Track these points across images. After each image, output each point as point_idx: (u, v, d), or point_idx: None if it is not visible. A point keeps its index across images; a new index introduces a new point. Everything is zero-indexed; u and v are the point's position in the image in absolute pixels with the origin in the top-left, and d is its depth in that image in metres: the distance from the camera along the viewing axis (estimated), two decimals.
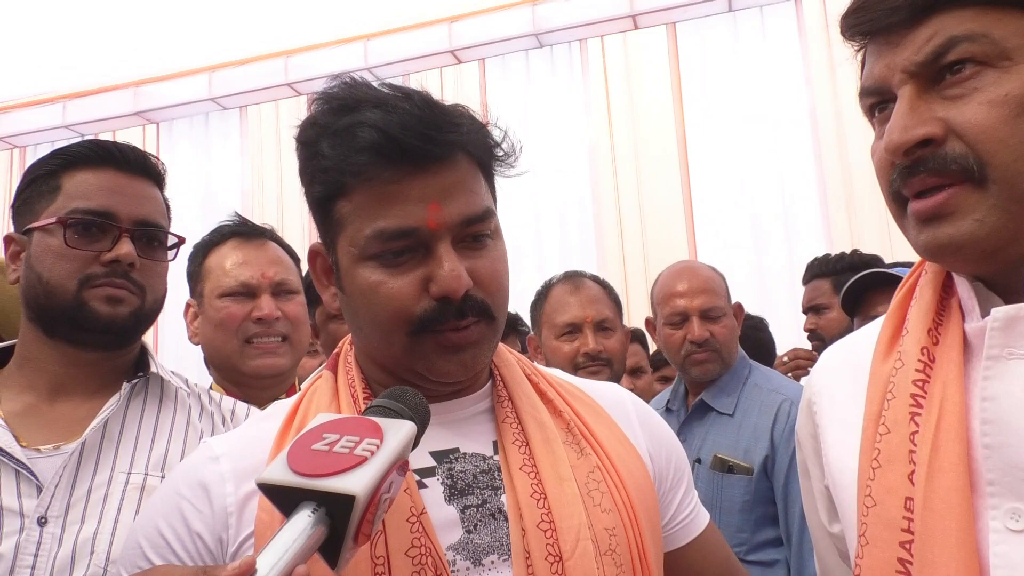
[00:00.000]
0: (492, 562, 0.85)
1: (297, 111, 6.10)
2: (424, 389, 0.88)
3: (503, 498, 0.88)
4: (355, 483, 0.64)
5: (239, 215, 1.69)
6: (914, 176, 0.73)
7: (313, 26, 5.76)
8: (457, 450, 0.92)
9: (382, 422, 0.71)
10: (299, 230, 5.65)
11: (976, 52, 0.70)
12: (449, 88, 5.92)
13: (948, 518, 0.68)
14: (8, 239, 1.16)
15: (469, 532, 0.86)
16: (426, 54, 5.87)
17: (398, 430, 0.71)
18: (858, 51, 0.80)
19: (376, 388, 0.94)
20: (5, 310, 1.43)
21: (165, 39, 5.74)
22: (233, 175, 6.19)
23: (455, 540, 0.86)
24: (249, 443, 0.92)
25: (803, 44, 5.35)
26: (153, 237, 1.17)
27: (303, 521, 0.64)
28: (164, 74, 6.21)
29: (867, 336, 0.89)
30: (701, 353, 2.14)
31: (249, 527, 0.85)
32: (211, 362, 1.63)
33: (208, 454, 0.92)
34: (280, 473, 0.66)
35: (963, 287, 0.78)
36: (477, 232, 0.88)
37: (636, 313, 5.04)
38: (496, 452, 0.91)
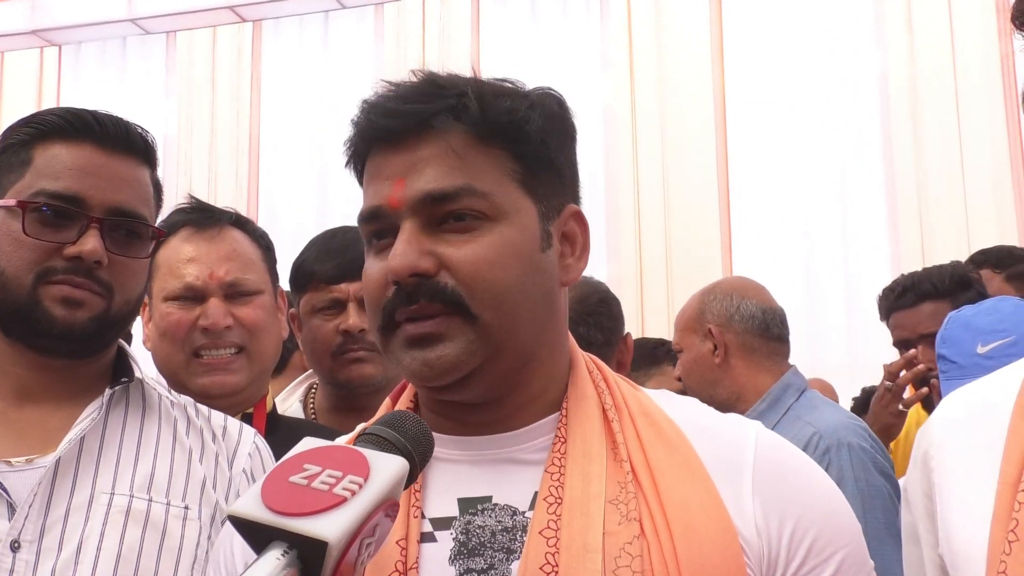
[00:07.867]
0: None
1: (239, 40, 5.95)
2: (458, 412, 0.94)
3: (514, 565, 0.89)
4: (329, 528, 0.66)
5: (194, 197, 1.69)
6: None
7: None
8: (489, 499, 0.93)
9: (371, 456, 0.73)
10: (232, 188, 5.45)
11: None
12: (432, 28, 5.53)
13: None
14: None
15: None
16: None
17: (386, 467, 0.72)
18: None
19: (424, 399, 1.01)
20: None
21: None
22: (155, 117, 5.60)
23: None
24: None
25: None
26: (129, 229, 1.17)
27: (271, 564, 0.66)
28: None
29: (1002, 385, 0.93)
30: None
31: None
32: (161, 373, 1.65)
33: None
34: (251, 507, 0.69)
35: None
36: (455, 211, 0.89)
37: (652, 319, 4.94)
38: (532, 507, 0.91)
